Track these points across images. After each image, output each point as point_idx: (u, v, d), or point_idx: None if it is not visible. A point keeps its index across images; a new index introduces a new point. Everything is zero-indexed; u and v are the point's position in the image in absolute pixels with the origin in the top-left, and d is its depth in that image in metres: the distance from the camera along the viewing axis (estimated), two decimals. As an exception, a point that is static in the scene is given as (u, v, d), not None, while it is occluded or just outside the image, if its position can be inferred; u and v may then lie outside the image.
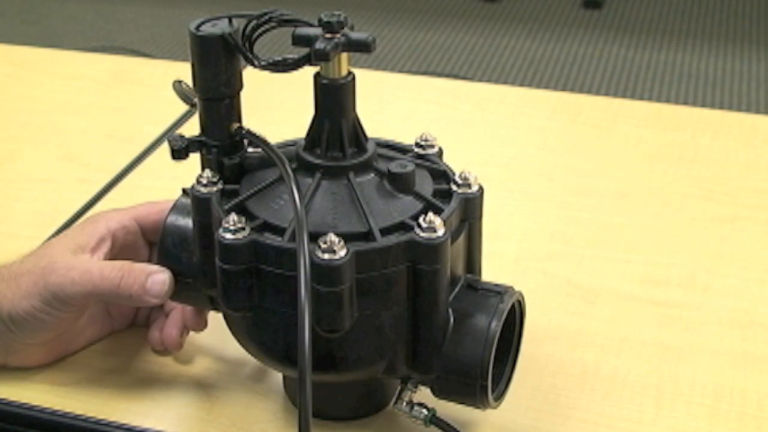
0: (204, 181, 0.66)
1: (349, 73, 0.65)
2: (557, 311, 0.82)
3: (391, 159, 0.68)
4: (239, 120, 0.68)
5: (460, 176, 0.67)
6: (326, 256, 0.60)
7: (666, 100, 2.75)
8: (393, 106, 1.16)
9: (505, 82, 2.87)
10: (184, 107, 0.75)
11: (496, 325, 0.64)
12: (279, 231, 0.63)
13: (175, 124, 1.12)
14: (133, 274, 0.69)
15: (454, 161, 0.70)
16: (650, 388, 0.74)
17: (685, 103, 2.74)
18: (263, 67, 0.64)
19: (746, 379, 0.75)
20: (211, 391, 0.74)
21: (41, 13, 3.43)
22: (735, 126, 1.12)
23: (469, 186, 0.67)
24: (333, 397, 0.71)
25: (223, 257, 0.63)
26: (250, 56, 0.64)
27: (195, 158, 0.68)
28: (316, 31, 0.62)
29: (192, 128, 0.70)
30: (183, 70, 0.70)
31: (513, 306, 0.67)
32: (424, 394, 0.67)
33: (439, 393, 0.67)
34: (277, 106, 1.12)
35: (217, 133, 0.67)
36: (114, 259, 0.72)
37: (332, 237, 0.60)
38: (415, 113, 1.15)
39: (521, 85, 2.84)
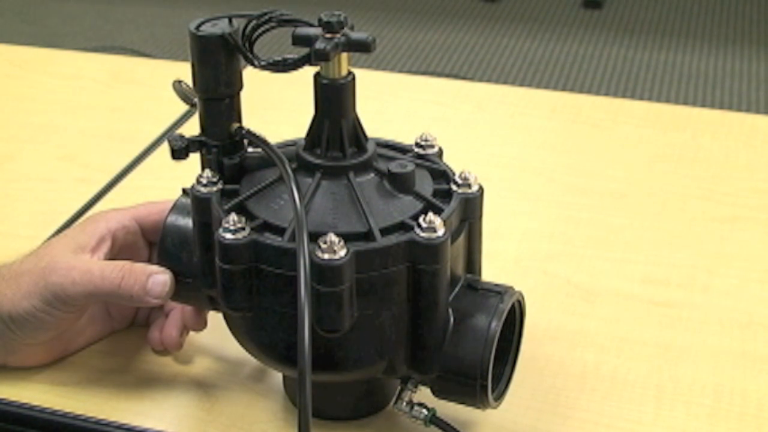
0: (204, 181, 0.66)
1: (349, 73, 0.65)
2: (557, 311, 0.82)
3: (391, 159, 0.68)
4: (239, 120, 0.68)
5: (460, 176, 0.67)
6: (326, 256, 0.59)
7: (666, 100, 2.74)
8: (393, 106, 1.16)
9: (505, 82, 2.87)
10: (184, 107, 0.75)
11: (496, 325, 0.64)
12: (279, 231, 0.63)
13: (175, 124, 1.12)
14: (134, 274, 0.69)
15: (454, 161, 0.70)
16: (650, 388, 0.74)
17: (685, 103, 2.73)
18: (263, 67, 0.64)
19: (746, 379, 0.75)
20: (211, 391, 0.74)
21: (41, 13, 3.43)
22: (735, 126, 1.12)
23: (469, 186, 0.66)
24: (333, 397, 0.71)
25: (223, 257, 0.63)
26: (250, 56, 0.64)
27: (195, 158, 0.68)
28: (316, 31, 0.62)
29: (192, 128, 0.70)
30: (183, 70, 0.70)
31: (513, 306, 0.67)
32: (424, 394, 0.67)
33: (439, 393, 0.67)
34: (277, 106, 1.12)
35: (217, 133, 0.67)
36: (114, 259, 0.72)
37: (332, 237, 0.60)
38: (415, 113, 1.15)
39: (521, 85, 2.84)
